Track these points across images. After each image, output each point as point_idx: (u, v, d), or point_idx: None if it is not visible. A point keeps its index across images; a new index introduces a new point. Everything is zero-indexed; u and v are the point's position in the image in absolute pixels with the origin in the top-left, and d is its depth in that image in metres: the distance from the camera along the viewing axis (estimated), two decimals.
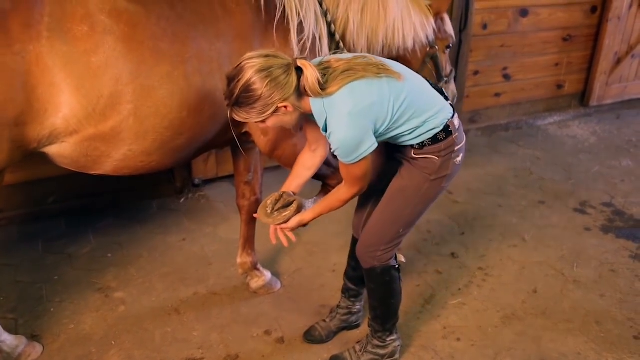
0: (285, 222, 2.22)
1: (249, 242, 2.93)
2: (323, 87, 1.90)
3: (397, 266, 2.34)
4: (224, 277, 3.07)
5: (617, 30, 5.20)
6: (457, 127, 2.11)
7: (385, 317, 2.43)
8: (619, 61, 5.41)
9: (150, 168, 2.31)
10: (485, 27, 4.71)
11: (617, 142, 4.99)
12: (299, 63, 1.90)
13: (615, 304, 2.91)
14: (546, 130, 5.22)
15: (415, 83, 2.04)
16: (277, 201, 2.22)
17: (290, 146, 2.44)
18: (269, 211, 2.22)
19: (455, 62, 4.61)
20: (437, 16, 2.86)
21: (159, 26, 2.11)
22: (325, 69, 1.94)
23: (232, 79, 1.87)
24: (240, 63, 1.87)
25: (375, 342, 2.48)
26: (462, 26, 4.50)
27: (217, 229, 3.53)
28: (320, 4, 2.47)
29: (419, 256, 3.27)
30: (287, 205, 2.22)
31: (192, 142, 2.30)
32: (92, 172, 2.28)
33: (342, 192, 2.12)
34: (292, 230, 2.24)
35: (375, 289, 2.37)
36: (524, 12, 4.81)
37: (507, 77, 5.04)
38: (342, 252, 3.17)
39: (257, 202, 2.85)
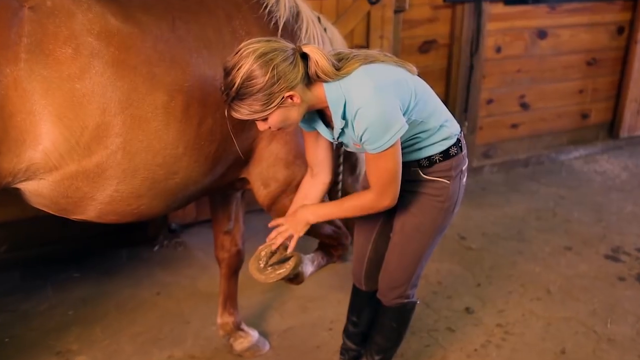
0: (282, 279, 2.23)
1: (230, 299, 2.91)
2: (338, 67, 1.96)
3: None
4: (203, 338, 3.03)
5: None
6: (464, 143, 2.22)
7: (392, 356, 2.57)
8: None
9: (139, 214, 2.30)
10: (499, 50, 4.79)
11: None
12: (305, 48, 1.93)
13: None
14: (571, 166, 5.26)
15: (425, 85, 2.13)
16: (272, 254, 2.21)
17: (291, 201, 2.45)
18: (262, 265, 2.21)
19: (467, 89, 4.68)
20: None
21: (155, 49, 2.12)
22: (339, 55, 2.01)
23: (230, 68, 1.86)
24: (239, 49, 1.87)
25: None
26: (473, 49, 4.58)
27: (195, 281, 3.51)
28: (331, 43, 2.61)
29: (428, 311, 3.25)
30: (284, 260, 2.21)
31: (187, 183, 2.29)
32: (74, 217, 2.27)
33: (367, 198, 2.10)
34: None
35: (397, 328, 2.48)
36: (542, 34, 4.91)
37: (525, 105, 5.10)
38: (340, 307, 3.14)
39: (239, 254, 2.85)
